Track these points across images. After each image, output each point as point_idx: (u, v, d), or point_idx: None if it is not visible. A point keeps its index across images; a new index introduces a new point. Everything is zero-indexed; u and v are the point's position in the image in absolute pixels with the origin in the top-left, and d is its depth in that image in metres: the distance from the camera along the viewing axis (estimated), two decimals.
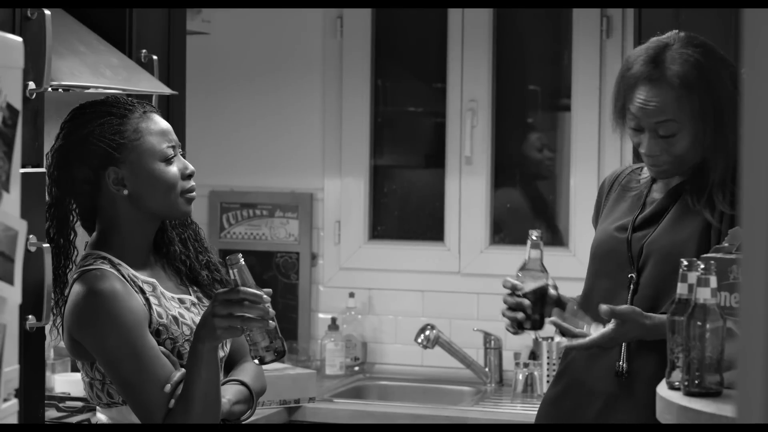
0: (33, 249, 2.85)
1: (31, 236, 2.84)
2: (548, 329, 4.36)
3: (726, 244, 2.35)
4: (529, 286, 2.88)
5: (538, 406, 4.15)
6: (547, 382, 4.32)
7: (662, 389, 2.23)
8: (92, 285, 2.57)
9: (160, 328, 2.62)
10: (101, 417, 2.71)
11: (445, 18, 4.72)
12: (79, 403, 3.83)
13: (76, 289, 2.60)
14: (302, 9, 4.74)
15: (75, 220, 2.71)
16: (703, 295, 2.14)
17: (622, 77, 2.86)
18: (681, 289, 2.25)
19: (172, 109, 3.92)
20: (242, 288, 2.51)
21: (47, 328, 2.70)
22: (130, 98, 2.75)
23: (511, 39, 4.76)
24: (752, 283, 1.26)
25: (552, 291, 2.88)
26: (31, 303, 2.86)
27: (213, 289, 2.74)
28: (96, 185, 2.66)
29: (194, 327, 2.64)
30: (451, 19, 4.70)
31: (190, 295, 2.73)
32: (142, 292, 2.63)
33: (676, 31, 2.88)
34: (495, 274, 4.57)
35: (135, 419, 2.63)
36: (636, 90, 2.80)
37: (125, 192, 2.64)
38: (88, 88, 3.38)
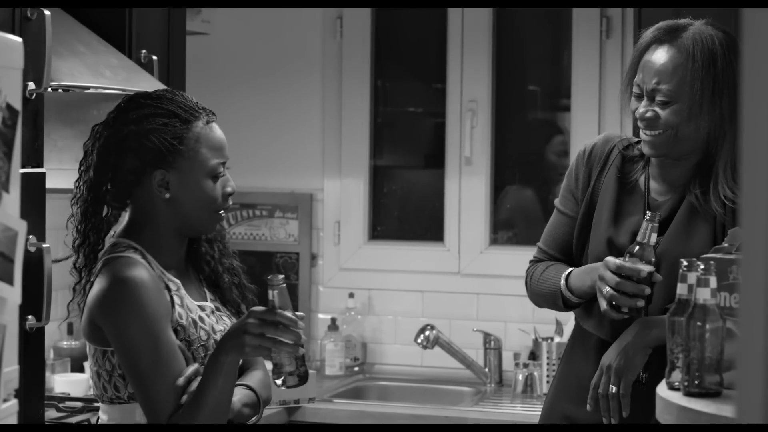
0: (33, 249, 2.86)
1: (30, 236, 2.84)
2: (548, 329, 4.38)
3: (725, 245, 2.35)
4: (647, 269, 2.71)
5: (538, 406, 4.18)
6: (547, 382, 4.32)
7: (662, 389, 2.23)
8: (121, 271, 2.55)
9: (179, 328, 2.61)
10: (103, 417, 2.69)
11: (444, 18, 4.72)
12: (79, 404, 3.83)
13: (104, 274, 2.58)
14: (302, 9, 4.74)
15: (110, 200, 2.69)
16: (703, 295, 2.14)
17: (636, 47, 2.87)
18: (681, 289, 2.25)
19: None
20: (279, 311, 2.50)
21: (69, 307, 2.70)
22: (195, 101, 2.71)
23: (510, 39, 4.76)
24: (752, 284, 1.26)
25: (657, 275, 2.74)
26: (31, 303, 2.86)
27: (232, 294, 2.74)
28: (139, 179, 2.64)
29: (211, 333, 2.63)
30: (451, 20, 4.70)
31: (208, 302, 2.71)
32: (168, 289, 2.62)
33: (703, 19, 2.88)
34: (495, 274, 4.59)
35: (137, 420, 2.61)
36: (646, 52, 2.81)
37: (167, 195, 2.62)
38: (87, 88, 3.38)
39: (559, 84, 4.73)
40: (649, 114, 2.79)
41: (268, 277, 2.53)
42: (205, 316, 2.67)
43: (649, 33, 2.84)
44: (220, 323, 2.69)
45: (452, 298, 4.68)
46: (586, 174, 2.97)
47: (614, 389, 2.76)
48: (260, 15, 4.82)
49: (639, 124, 2.83)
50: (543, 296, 2.97)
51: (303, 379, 2.55)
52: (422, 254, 4.74)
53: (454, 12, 4.70)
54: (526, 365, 4.42)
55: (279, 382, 2.56)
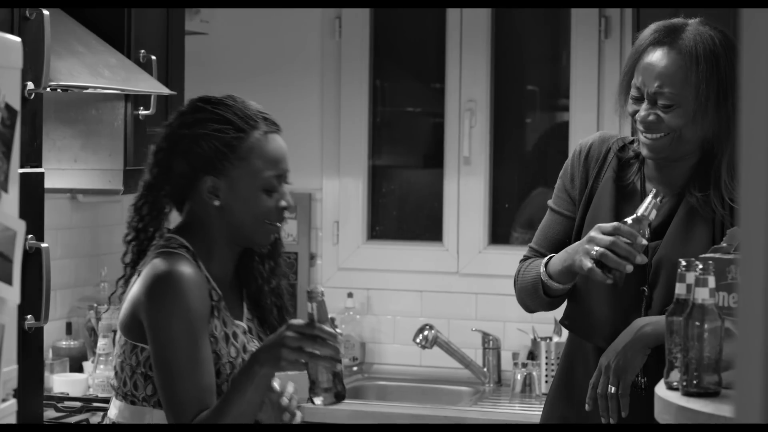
0: (31, 249, 2.86)
1: (29, 236, 2.85)
2: (547, 329, 4.38)
3: (724, 244, 2.35)
4: (642, 240, 2.67)
5: (537, 406, 4.17)
6: (546, 382, 4.33)
7: (660, 389, 2.23)
8: (173, 266, 2.51)
9: (211, 339, 2.56)
10: (112, 412, 2.65)
11: (443, 18, 4.72)
12: (78, 403, 3.83)
13: (155, 266, 2.53)
14: (301, 9, 4.75)
15: (168, 200, 2.67)
16: (702, 295, 2.14)
17: (634, 48, 2.83)
18: (679, 289, 2.25)
19: (171, 109, 3.93)
20: (319, 324, 2.46)
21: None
22: (257, 111, 2.68)
23: (509, 39, 4.76)
24: (750, 284, 1.26)
25: (644, 257, 2.70)
26: (30, 303, 2.86)
27: (272, 316, 2.71)
28: (191, 184, 2.61)
29: (241, 351, 2.60)
30: (450, 20, 4.71)
31: (243, 321, 2.67)
32: (210, 297, 2.58)
33: (698, 18, 2.85)
34: (493, 274, 4.59)
35: (145, 422, 2.59)
36: (644, 54, 2.78)
37: (216, 203, 2.59)
38: (86, 88, 3.38)
39: (558, 84, 4.73)
40: (651, 118, 2.76)
41: (308, 290, 2.49)
42: (239, 332, 2.63)
43: (646, 34, 2.81)
44: (251, 344, 2.65)
45: (451, 298, 4.68)
46: (583, 175, 2.94)
47: (613, 389, 2.75)
48: (259, 15, 4.82)
49: (638, 126, 2.80)
50: (526, 289, 2.91)
51: (340, 397, 2.49)
52: (421, 254, 4.74)
53: (452, 12, 4.70)
54: (524, 365, 4.42)
55: (317, 400, 2.50)
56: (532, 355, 4.44)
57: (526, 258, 2.98)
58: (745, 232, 1.27)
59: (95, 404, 3.84)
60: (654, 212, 2.70)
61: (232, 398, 2.47)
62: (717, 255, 2.26)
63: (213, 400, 2.50)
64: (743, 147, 1.27)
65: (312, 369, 2.47)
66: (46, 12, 2.96)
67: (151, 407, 2.57)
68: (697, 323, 2.14)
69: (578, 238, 2.88)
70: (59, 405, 3.79)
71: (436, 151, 4.78)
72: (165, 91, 3.72)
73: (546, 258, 2.86)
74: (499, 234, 4.76)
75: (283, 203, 2.63)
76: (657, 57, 2.76)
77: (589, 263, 2.67)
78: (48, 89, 3.02)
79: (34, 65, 2.91)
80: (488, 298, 4.62)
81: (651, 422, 2.35)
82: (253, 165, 2.59)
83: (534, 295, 2.90)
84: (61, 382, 4.05)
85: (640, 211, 2.70)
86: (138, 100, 3.71)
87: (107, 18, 3.68)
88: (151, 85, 3.66)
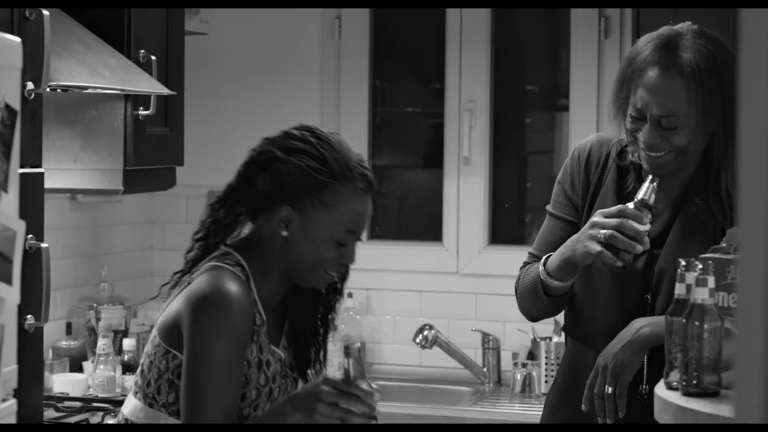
0: (31, 249, 2.86)
1: (29, 236, 2.85)
2: (546, 329, 4.38)
3: (724, 245, 2.35)
4: (647, 225, 2.65)
5: (537, 406, 4.17)
6: (546, 382, 4.33)
7: (660, 389, 2.23)
8: (224, 285, 2.49)
9: (245, 363, 2.54)
10: (126, 409, 2.63)
11: (443, 18, 4.72)
12: (78, 403, 3.83)
13: (207, 280, 2.51)
14: (300, 9, 4.75)
15: (244, 211, 2.64)
16: (701, 295, 2.15)
17: (629, 62, 2.76)
18: (679, 289, 2.25)
19: (171, 109, 3.93)
20: (356, 382, 2.46)
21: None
22: (358, 163, 2.61)
23: (509, 39, 4.76)
24: (750, 284, 1.26)
25: (648, 240, 2.68)
26: (30, 303, 2.86)
27: (308, 353, 2.68)
28: (268, 206, 2.59)
29: (270, 381, 2.58)
30: (450, 20, 4.71)
31: (280, 349, 2.64)
32: (253, 320, 2.56)
33: (689, 23, 2.81)
34: (493, 274, 4.59)
35: (151, 421, 2.57)
36: (644, 75, 2.71)
37: (284, 233, 2.57)
38: (86, 88, 3.38)
39: (558, 84, 4.73)
40: (656, 140, 2.72)
41: (345, 346, 2.48)
42: (273, 361, 2.60)
43: (645, 53, 2.74)
44: (279, 377, 2.62)
45: (451, 298, 4.68)
46: (584, 180, 2.91)
47: (610, 390, 2.75)
48: (259, 15, 4.82)
49: (641, 145, 2.76)
50: (526, 293, 2.88)
51: None
52: (421, 254, 4.74)
53: (452, 12, 4.70)
54: (524, 365, 4.42)
55: None
56: (532, 355, 4.45)
57: (526, 264, 2.96)
58: (745, 232, 1.27)
59: (95, 404, 3.84)
60: (653, 196, 2.68)
61: None
62: (717, 255, 2.27)
63: (234, 419, 2.49)
64: (743, 146, 1.27)
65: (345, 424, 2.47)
66: (45, 12, 2.96)
67: (168, 414, 2.55)
68: (697, 323, 2.14)
69: None
70: (59, 405, 3.79)
71: (436, 151, 4.78)
72: (165, 91, 3.72)
73: (543, 258, 2.85)
74: (499, 234, 4.76)
75: (345, 260, 2.62)
76: (659, 80, 2.70)
77: (597, 246, 2.65)
78: (48, 89, 3.02)
79: (33, 65, 2.91)
80: (488, 298, 4.62)
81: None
82: (333, 214, 2.57)
83: (534, 298, 2.88)
84: (60, 382, 4.05)
85: (640, 194, 2.68)
86: (138, 100, 3.71)
87: (107, 18, 3.68)
88: (151, 85, 3.66)
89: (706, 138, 2.75)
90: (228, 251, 2.60)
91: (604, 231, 2.64)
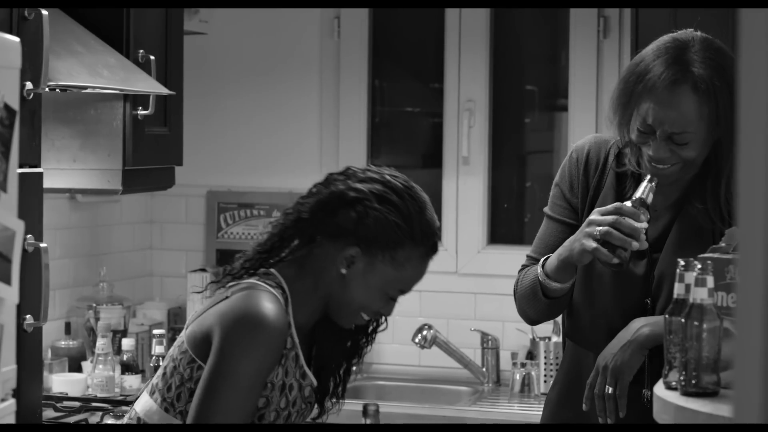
0: (30, 249, 2.86)
1: (28, 236, 2.84)
2: (546, 329, 4.38)
3: (723, 244, 2.35)
4: (644, 223, 2.65)
5: (536, 406, 4.17)
6: (545, 382, 4.33)
7: (659, 389, 2.23)
8: (266, 306, 2.48)
9: (268, 385, 2.53)
10: (139, 406, 2.62)
11: (442, 18, 4.72)
12: (77, 403, 3.83)
13: (248, 298, 2.50)
14: (300, 9, 4.75)
15: (312, 232, 2.60)
16: (700, 295, 2.15)
17: (638, 77, 2.71)
18: (678, 289, 2.25)
19: (170, 109, 3.93)
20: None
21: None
22: (436, 230, 2.66)
23: (508, 39, 4.76)
24: (749, 283, 1.26)
25: (645, 241, 2.68)
26: (29, 303, 2.86)
27: (327, 385, 2.67)
28: (338, 238, 2.57)
29: (290, 405, 2.56)
30: (449, 20, 4.71)
31: (312, 377, 2.63)
32: (284, 343, 2.54)
33: (690, 30, 2.77)
34: (492, 274, 4.59)
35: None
36: (656, 92, 2.68)
37: (343, 271, 2.56)
38: (85, 88, 3.38)
39: (557, 84, 4.73)
40: (666, 155, 2.71)
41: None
42: (296, 385, 2.59)
43: (655, 69, 2.70)
44: (300, 401, 2.61)
45: (450, 298, 4.68)
46: (583, 184, 2.90)
47: (610, 390, 2.75)
48: (258, 15, 4.82)
49: (646, 157, 2.74)
50: (525, 295, 2.88)
51: None
52: None
53: (451, 12, 4.70)
54: (523, 365, 4.42)
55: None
56: (531, 355, 4.45)
57: (524, 267, 2.96)
58: (744, 232, 1.27)
59: (94, 404, 3.84)
60: (651, 195, 2.67)
61: None
62: (716, 255, 2.27)
63: None
64: (742, 147, 1.27)
65: None
66: (44, 12, 2.96)
67: (182, 422, 2.54)
68: (696, 323, 2.14)
69: None
70: (58, 405, 3.79)
71: (435, 151, 4.78)
72: (164, 91, 3.72)
73: (543, 258, 2.85)
74: (498, 234, 4.76)
75: (384, 311, 2.64)
76: (673, 98, 2.67)
77: (593, 243, 2.64)
78: (47, 89, 3.02)
79: (32, 65, 2.91)
80: (487, 297, 4.62)
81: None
82: (398, 272, 2.58)
83: (533, 300, 2.87)
84: (60, 381, 4.05)
85: (638, 193, 2.68)
86: (137, 100, 3.71)
87: (106, 18, 3.68)
88: (150, 85, 3.66)
89: (710, 146, 2.74)
90: (270, 272, 2.58)
91: (600, 228, 2.64)
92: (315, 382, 2.62)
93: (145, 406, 2.61)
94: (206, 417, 2.45)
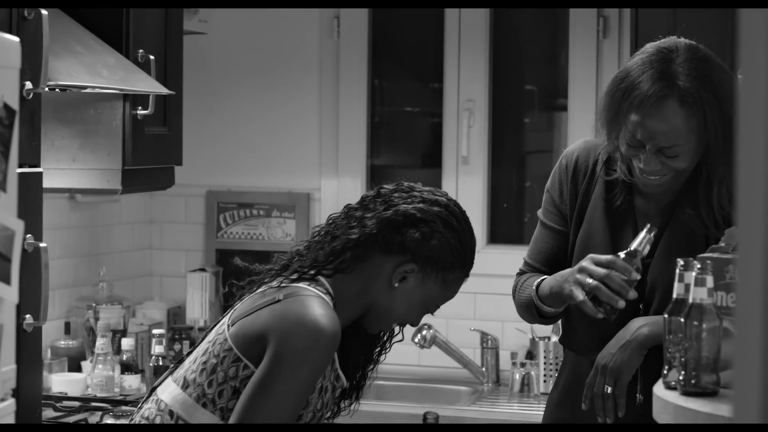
0: (30, 249, 2.86)
1: (27, 236, 2.84)
2: (545, 328, 4.38)
3: (722, 244, 2.35)
4: (636, 275, 2.67)
5: (536, 405, 4.17)
6: (544, 381, 4.33)
7: (659, 389, 2.23)
8: (327, 316, 2.53)
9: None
10: (164, 394, 2.64)
11: (441, 18, 4.72)
12: (76, 403, 3.83)
13: (310, 305, 2.54)
14: (299, 9, 4.74)
15: (371, 250, 2.66)
16: (700, 294, 2.14)
17: (624, 93, 2.71)
18: (678, 288, 2.25)
19: (169, 109, 3.93)
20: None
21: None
22: (474, 255, 2.77)
23: (507, 39, 4.76)
24: (749, 283, 1.26)
25: (635, 292, 2.69)
26: (29, 303, 2.86)
27: (350, 385, 2.73)
28: (396, 255, 2.64)
29: (325, 403, 2.63)
30: (448, 20, 4.71)
31: (344, 380, 2.69)
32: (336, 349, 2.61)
33: (674, 37, 2.77)
34: (492, 273, 4.58)
35: (196, 420, 2.59)
36: (643, 107, 2.67)
37: (395, 285, 2.64)
38: (85, 88, 3.38)
39: (556, 84, 4.73)
40: (657, 167, 2.71)
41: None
42: (330, 387, 2.64)
43: (641, 85, 2.69)
44: (332, 403, 2.68)
45: None
46: (571, 190, 2.91)
47: (609, 389, 2.75)
48: (257, 14, 4.82)
49: (637, 170, 2.75)
50: (523, 307, 2.94)
51: None
52: None
53: (451, 12, 4.70)
54: (523, 365, 4.42)
55: None
56: (531, 355, 4.44)
57: (521, 272, 2.99)
58: (744, 231, 1.27)
59: (94, 404, 3.84)
60: (648, 247, 2.68)
61: None
62: (715, 255, 2.27)
63: None
64: (742, 147, 1.27)
65: None
66: (44, 12, 2.96)
67: (220, 418, 2.57)
68: (696, 323, 2.14)
69: (572, 255, 2.89)
70: (58, 405, 3.79)
71: (435, 150, 4.78)
72: (163, 90, 3.72)
73: (537, 281, 2.86)
74: (498, 234, 4.76)
75: (417, 323, 2.74)
76: (661, 113, 2.67)
77: (580, 295, 2.67)
78: (46, 89, 3.02)
79: (32, 65, 2.91)
80: (487, 297, 4.62)
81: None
82: (443, 291, 2.70)
83: (529, 315, 2.94)
84: (59, 381, 4.04)
85: (634, 245, 2.69)
86: (136, 99, 3.71)
87: (105, 18, 3.68)
88: (150, 85, 3.66)
89: (700, 154, 2.74)
90: (319, 279, 2.63)
91: (590, 281, 2.66)
92: (346, 384, 2.68)
93: (177, 398, 2.62)
94: (253, 417, 2.50)
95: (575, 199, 2.90)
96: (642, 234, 2.69)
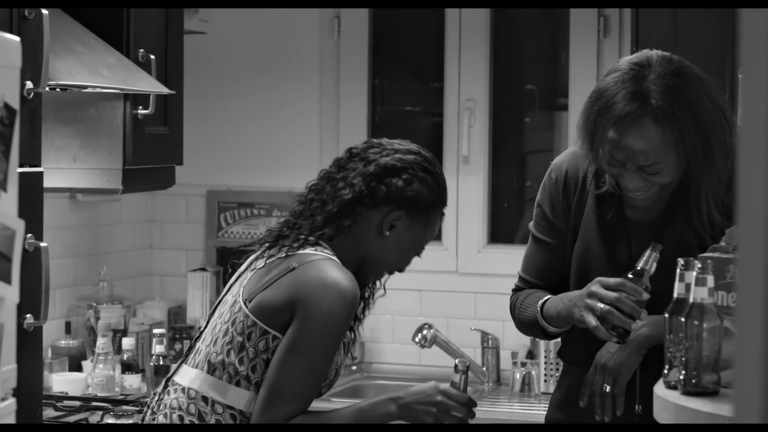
0: (30, 248, 2.86)
1: (28, 235, 2.84)
2: None
3: (723, 244, 2.35)
4: (646, 295, 2.67)
5: (536, 405, 4.18)
6: (545, 381, 4.33)
7: (659, 388, 2.23)
8: (347, 277, 2.66)
9: None
10: (186, 379, 2.72)
11: (442, 18, 4.72)
12: (77, 402, 3.83)
13: (330, 269, 2.66)
14: (300, 9, 4.74)
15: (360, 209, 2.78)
16: (701, 294, 2.15)
17: (599, 113, 2.69)
18: (678, 288, 2.25)
19: (170, 109, 3.93)
20: (467, 395, 2.75)
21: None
22: None
23: (508, 39, 4.76)
24: (749, 283, 1.26)
25: (645, 311, 2.70)
26: (29, 302, 2.86)
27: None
28: (378, 206, 2.77)
29: (342, 358, 2.76)
30: (449, 19, 4.71)
31: (355, 333, 2.88)
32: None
33: (647, 51, 2.75)
34: (492, 273, 4.59)
35: (235, 404, 2.66)
36: (619, 129, 2.66)
37: (386, 233, 2.78)
38: (85, 87, 3.38)
39: (557, 83, 4.73)
40: (641, 184, 2.71)
41: (457, 361, 2.77)
42: (344, 344, 2.78)
43: (616, 105, 2.67)
44: (344, 357, 2.81)
45: (450, 297, 4.68)
46: (563, 205, 2.90)
47: (608, 388, 2.75)
48: (258, 14, 4.82)
49: (624, 189, 2.75)
50: (525, 325, 2.93)
51: None
52: None
53: (451, 11, 4.70)
54: (523, 364, 4.42)
55: None
56: (531, 354, 4.45)
57: (518, 288, 2.99)
58: (744, 231, 1.27)
59: (94, 403, 3.84)
60: (654, 265, 2.67)
61: (350, 424, 2.68)
62: (716, 254, 2.27)
63: (310, 402, 2.68)
64: (742, 148, 1.27)
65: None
66: (45, 11, 2.96)
67: (254, 392, 2.67)
68: (696, 322, 2.14)
69: (570, 270, 2.89)
70: (58, 404, 3.79)
71: (435, 150, 4.77)
72: (164, 90, 3.72)
73: (540, 301, 2.86)
74: (498, 233, 4.76)
75: (405, 268, 2.89)
76: (636, 133, 2.66)
77: (593, 321, 2.66)
78: (47, 88, 3.02)
79: (33, 64, 2.91)
80: (487, 297, 4.62)
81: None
82: (427, 231, 2.84)
83: (532, 332, 2.96)
84: (60, 381, 4.04)
85: (641, 264, 2.68)
86: (137, 99, 3.71)
87: (106, 17, 3.68)
88: (150, 85, 3.66)
89: (683, 166, 2.72)
90: (319, 243, 2.75)
91: (602, 306, 2.65)
92: (354, 336, 2.86)
93: (207, 382, 2.70)
94: (286, 379, 2.62)
95: (568, 213, 2.90)
96: (647, 252, 2.68)
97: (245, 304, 2.69)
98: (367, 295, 2.91)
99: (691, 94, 2.67)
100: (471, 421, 2.81)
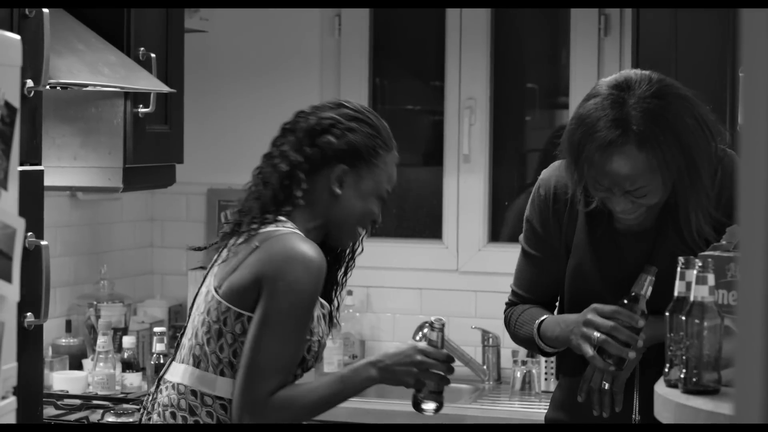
0: (31, 247, 2.86)
1: (29, 234, 2.85)
2: None
3: (724, 242, 2.35)
4: (642, 321, 2.67)
5: (537, 403, 4.18)
6: (546, 379, 4.33)
7: (660, 387, 2.23)
8: (311, 247, 2.66)
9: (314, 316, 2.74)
10: (176, 376, 2.72)
11: (443, 16, 4.72)
12: (77, 401, 3.83)
13: (292, 241, 2.67)
14: (300, 8, 4.74)
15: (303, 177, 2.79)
16: (701, 293, 2.15)
17: (580, 141, 2.67)
18: (679, 287, 2.25)
19: (170, 107, 3.93)
20: (445, 351, 2.78)
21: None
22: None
23: (509, 37, 4.76)
24: (750, 281, 1.26)
25: (642, 337, 2.70)
26: (30, 301, 2.86)
27: (331, 310, 2.84)
28: (319, 168, 2.77)
29: (323, 330, 2.76)
30: (449, 18, 4.70)
31: (327, 304, 2.83)
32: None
33: (628, 71, 2.74)
34: (493, 272, 4.59)
35: (224, 394, 2.67)
36: (603, 157, 2.65)
37: (338, 191, 2.78)
38: (86, 86, 3.38)
39: (558, 82, 4.73)
40: (629, 206, 2.71)
41: (432, 318, 2.80)
42: (324, 314, 2.78)
43: (599, 133, 2.65)
44: (325, 329, 2.80)
45: (450, 296, 4.68)
46: (554, 223, 2.89)
47: (607, 386, 2.75)
48: (259, 13, 4.82)
49: (615, 212, 2.75)
50: (521, 340, 2.95)
51: (438, 407, 2.83)
52: (420, 252, 4.74)
53: (452, 10, 4.70)
54: (524, 363, 4.42)
55: (427, 405, 2.80)
56: (532, 353, 4.45)
57: (512, 303, 2.99)
58: (745, 229, 1.27)
59: (95, 402, 3.85)
60: (650, 289, 2.67)
61: (333, 391, 2.69)
62: (716, 253, 2.27)
63: (292, 376, 2.68)
64: (743, 147, 1.27)
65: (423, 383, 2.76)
66: (45, 10, 2.96)
67: (227, 379, 2.68)
68: (697, 321, 2.14)
69: (563, 284, 2.89)
70: (59, 403, 3.79)
71: (436, 148, 4.78)
72: (164, 88, 3.72)
73: (537, 322, 2.86)
74: (499, 232, 4.76)
75: (376, 217, 2.85)
76: (620, 160, 2.65)
77: (590, 350, 2.68)
78: (47, 87, 3.02)
79: (33, 63, 2.91)
80: (488, 295, 4.62)
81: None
82: (382, 174, 2.83)
83: (529, 348, 2.99)
84: (60, 379, 4.05)
85: (636, 289, 2.68)
86: (137, 97, 3.71)
87: (107, 16, 3.69)
88: (151, 83, 3.66)
89: (670, 186, 2.72)
90: (279, 218, 2.75)
91: (598, 335, 2.67)
92: (329, 308, 2.82)
93: (194, 376, 2.71)
94: (262, 353, 2.62)
95: (560, 230, 2.89)
96: (642, 277, 2.68)
97: (216, 291, 2.70)
98: (348, 257, 2.91)
99: (671, 116, 2.65)
100: (471, 421, 2.81)
